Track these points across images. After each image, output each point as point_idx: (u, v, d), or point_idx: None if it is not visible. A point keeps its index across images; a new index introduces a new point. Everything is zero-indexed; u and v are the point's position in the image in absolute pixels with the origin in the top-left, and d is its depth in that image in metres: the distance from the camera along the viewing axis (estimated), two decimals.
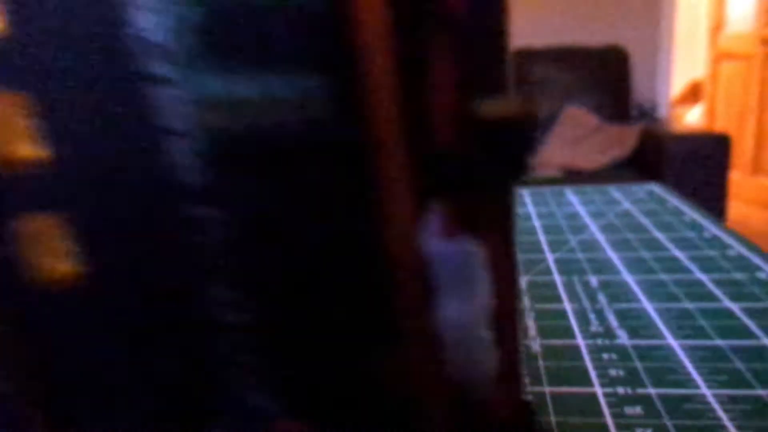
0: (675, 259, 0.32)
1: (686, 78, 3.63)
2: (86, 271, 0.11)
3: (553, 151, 2.19)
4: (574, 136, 2.27)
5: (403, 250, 0.11)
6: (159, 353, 0.11)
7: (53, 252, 0.10)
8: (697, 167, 1.86)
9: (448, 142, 0.10)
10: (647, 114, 2.48)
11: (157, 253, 0.10)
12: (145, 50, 0.09)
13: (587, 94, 2.35)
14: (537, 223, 0.40)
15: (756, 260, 0.31)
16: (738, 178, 2.95)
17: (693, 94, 3.70)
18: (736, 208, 2.83)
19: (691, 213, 0.40)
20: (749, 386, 0.20)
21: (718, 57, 3.12)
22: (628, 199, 0.45)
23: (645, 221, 0.39)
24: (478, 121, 0.10)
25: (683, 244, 0.34)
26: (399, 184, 0.10)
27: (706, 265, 0.31)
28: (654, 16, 2.49)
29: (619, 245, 0.35)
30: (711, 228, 0.37)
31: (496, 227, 0.11)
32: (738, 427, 0.18)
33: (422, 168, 0.10)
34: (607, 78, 2.37)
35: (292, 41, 0.09)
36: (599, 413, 0.19)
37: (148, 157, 0.10)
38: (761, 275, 0.29)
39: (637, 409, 0.19)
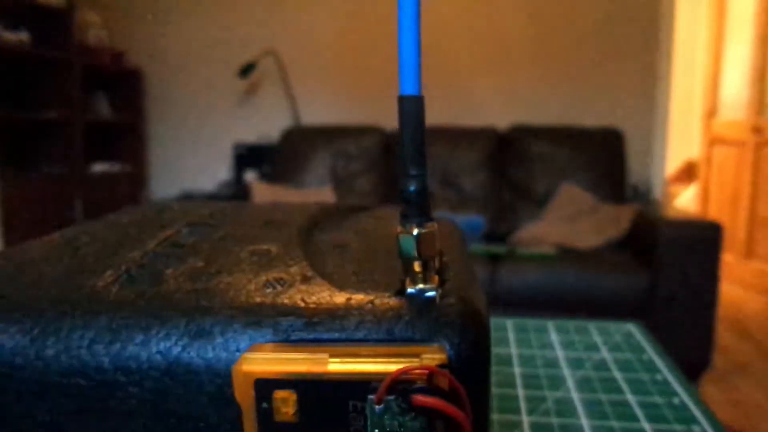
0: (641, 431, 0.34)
1: (682, 157, 3.72)
2: None
3: (549, 228, 2.23)
4: (570, 214, 2.31)
5: None
6: None
7: None
8: (690, 252, 1.89)
9: None
10: (642, 195, 2.53)
11: None
12: None
13: (583, 173, 2.40)
14: (516, 371, 0.42)
15: (696, 413, 0.33)
16: (732, 261, 2.98)
17: (687, 173, 3.78)
18: (731, 292, 2.85)
19: (664, 370, 0.42)
20: None
21: (712, 141, 3.21)
22: (607, 343, 0.47)
23: (619, 376, 0.41)
24: None
25: (653, 413, 0.36)
26: None
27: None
28: (649, 100, 2.57)
29: (594, 410, 0.37)
30: (679, 393, 0.39)
31: None
32: None
33: None
34: (602, 158, 2.43)
35: None
36: None
37: None
38: (696, 429, 0.31)
39: None
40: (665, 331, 1.86)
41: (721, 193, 3.12)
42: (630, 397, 0.38)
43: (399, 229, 0.16)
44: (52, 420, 0.15)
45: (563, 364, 0.44)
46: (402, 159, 0.15)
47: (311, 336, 0.14)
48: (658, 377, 0.41)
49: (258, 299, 0.16)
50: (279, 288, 0.17)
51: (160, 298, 0.16)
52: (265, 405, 0.13)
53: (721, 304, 2.67)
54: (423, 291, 0.16)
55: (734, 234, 3.00)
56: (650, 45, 2.51)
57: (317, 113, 2.70)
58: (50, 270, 0.19)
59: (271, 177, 2.52)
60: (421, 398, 0.12)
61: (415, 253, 0.16)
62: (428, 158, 2.42)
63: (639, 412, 0.36)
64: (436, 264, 0.16)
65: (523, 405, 0.38)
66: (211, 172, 2.84)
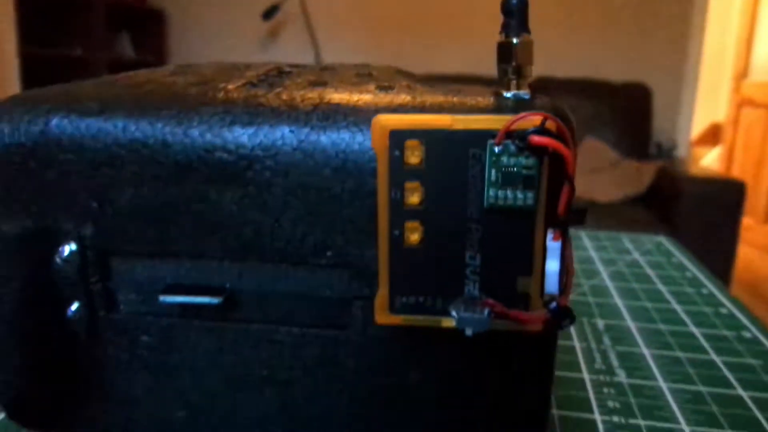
0: (673, 311, 0.37)
1: (707, 120, 3.66)
2: None
3: None
4: (591, 168, 2.30)
5: None
6: None
7: None
8: (710, 211, 1.89)
9: None
10: (665, 152, 2.51)
11: None
12: None
13: (607, 127, 2.38)
14: None
15: (744, 320, 0.36)
16: (752, 225, 2.97)
17: (713, 135, 3.72)
18: (746, 254, 2.85)
19: (693, 269, 0.45)
20: (721, 427, 0.25)
21: (740, 103, 3.15)
22: (638, 249, 0.49)
23: (650, 272, 0.44)
24: None
25: (682, 298, 0.39)
26: None
27: (699, 320, 0.35)
28: (680, 57, 2.52)
29: (626, 293, 0.40)
30: (709, 285, 0.41)
31: None
32: None
33: None
34: (628, 113, 2.40)
35: None
36: None
37: None
38: (746, 334, 0.34)
39: None
40: None
41: (746, 156, 3.08)
42: (661, 287, 0.41)
43: (499, 40, 0.18)
44: (199, 189, 0.18)
45: (597, 261, 0.46)
46: None
47: None
48: (688, 274, 0.44)
49: (373, 96, 0.18)
50: (390, 91, 0.19)
51: (287, 94, 0.19)
52: (397, 152, 0.16)
53: (737, 266, 2.67)
54: (518, 95, 0.18)
55: (756, 198, 2.97)
56: (684, 1, 2.45)
57: (340, 57, 2.68)
58: (182, 80, 0.21)
59: None
60: (536, 138, 0.15)
61: (512, 61, 0.18)
62: None
63: (670, 297, 0.39)
64: (530, 74, 0.19)
65: None
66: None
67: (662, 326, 0.35)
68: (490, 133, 0.15)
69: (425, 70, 2.47)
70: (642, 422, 0.25)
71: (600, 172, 2.27)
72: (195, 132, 0.18)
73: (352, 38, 2.68)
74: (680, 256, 0.48)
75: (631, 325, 0.35)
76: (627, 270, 0.44)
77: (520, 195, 0.15)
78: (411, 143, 0.16)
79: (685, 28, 2.46)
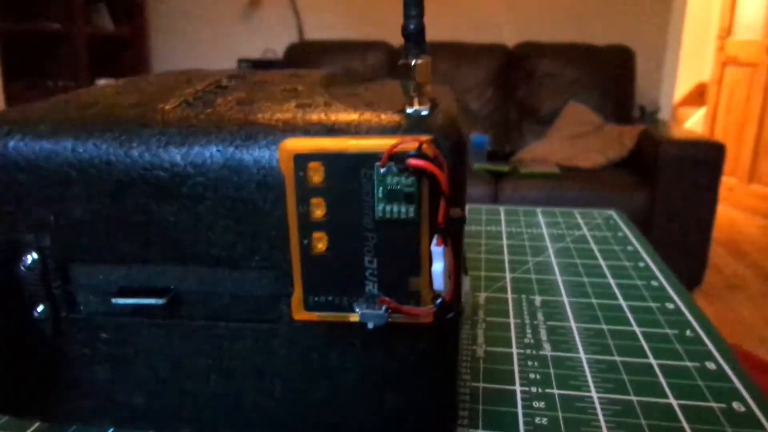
0: (606, 286, 0.40)
1: (691, 81, 3.67)
2: None
3: (552, 147, 2.25)
4: (575, 133, 2.32)
5: None
6: None
7: None
8: (691, 172, 1.92)
9: None
10: (648, 115, 2.52)
11: None
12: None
13: (590, 92, 2.39)
14: (505, 243, 0.48)
15: (671, 292, 0.39)
16: (735, 185, 3.02)
17: (699, 95, 3.73)
18: (730, 214, 2.90)
19: (636, 244, 0.48)
20: (626, 393, 0.28)
21: (725, 62, 3.16)
22: (587, 225, 0.52)
23: (594, 248, 0.47)
24: None
25: (619, 272, 0.42)
26: None
27: (629, 293, 0.39)
28: (663, 18, 2.52)
29: (567, 269, 0.43)
30: (647, 259, 0.45)
31: None
32: (607, 421, 0.26)
33: None
34: (611, 77, 2.41)
35: None
36: (514, 404, 0.27)
37: None
38: (670, 306, 0.37)
39: (542, 404, 0.27)
40: (662, 248, 1.93)
41: (730, 115, 3.11)
42: (601, 262, 0.44)
43: (400, 61, 0.20)
44: (140, 203, 0.21)
45: (547, 238, 0.49)
46: (404, 2, 0.20)
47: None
48: (629, 248, 0.47)
49: (291, 115, 0.21)
50: (307, 109, 0.21)
51: (216, 115, 0.21)
52: (301, 173, 0.18)
53: (721, 226, 2.73)
54: (418, 111, 0.20)
55: (739, 157, 3.01)
56: None
57: (322, 28, 2.66)
58: (125, 99, 0.23)
59: None
60: (413, 161, 0.17)
61: (412, 80, 0.20)
62: (434, 76, 2.40)
63: (607, 272, 0.42)
64: (429, 92, 0.21)
65: (507, 266, 0.43)
66: None
67: (594, 300, 0.38)
68: (377, 156, 0.18)
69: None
70: (556, 391, 0.28)
71: (583, 138, 2.29)
72: (135, 153, 0.21)
73: (334, 7, 2.66)
74: (626, 231, 0.51)
75: (566, 300, 0.38)
76: (573, 246, 0.47)
77: (403, 209, 0.18)
78: (313, 165, 0.18)
79: None
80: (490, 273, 0.42)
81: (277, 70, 0.32)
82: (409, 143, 0.17)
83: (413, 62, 0.20)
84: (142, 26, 2.84)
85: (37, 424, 0.26)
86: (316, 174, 0.18)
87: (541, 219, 0.54)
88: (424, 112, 0.20)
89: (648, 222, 1.91)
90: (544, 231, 0.51)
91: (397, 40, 2.50)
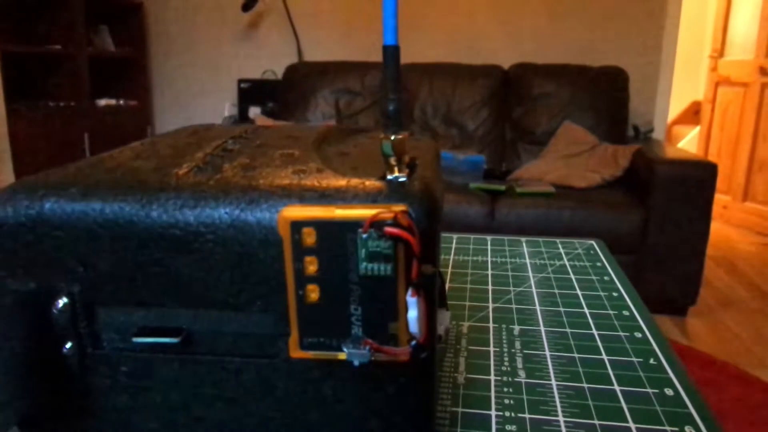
0: (581, 315, 0.43)
1: (686, 99, 3.72)
2: None
3: (548, 167, 2.30)
4: (570, 153, 2.37)
5: None
6: None
7: None
8: (684, 191, 1.95)
9: None
10: (642, 135, 2.57)
11: None
12: None
13: (585, 112, 2.44)
14: (489, 273, 0.51)
15: (640, 321, 0.42)
16: (729, 203, 3.06)
17: (694, 114, 3.79)
18: (724, 231, 2.94)
19: (612, 274, 0.51)
20: (591, 417, 0.31)
21: (718, 82, 3.21)
22: (568, 254, 0.56)
23: (573, 278, 0.50)
24: None
25: (593, 301, 0.45)
26: None
27: (601, 323, 0.42)
28: (656, 40, 2.57)
29: (546, 299, 0.46)
30: (621, 289, 0.48)
31: None
32: None
33: None
34: (605, 97, 2.45)
35: None
36: (489, 428, 0.30)
37: None
38: (638, 335, 0.40)
39: (513, 427, 0.30)
40: (656, 268, 1.96)
41: (723, 134, 3.15)
42: (578, 292, 0.47)
43: (382, 136, 0.24)
44: (157, 256, 0.24)
45: (529, 268, 0.52)
46: (384, 88, 0.23)
47: (324, 203, 0.23)
48: (606, 278, 0.50)
49: (288, 181, 0.24)
50: (302, 175, 0.25)
51: (224, 181, 0.25)
52: (296, 236, 0.22)
53: (715, 243, 2.76)
54: (397, 177, 0.24)
55: (733, 176, 3.05)
56: None
57: (321, 49, 2.72)
58: (144, 164, 0.27)
59: (275, 113, 2.58)
60: (389, 229, 0.21)
61: (392, 152, 0.24)
62: (432, 96, 2.44)
63: (583, 302, 0.45)
64: (407, 161, 0.24)
65: (490, 296, 0.47)
66: (215, 107, 2.89)
67: (569, 330, 0.41)
68: (360, 223, 0.21)
69: (402, 59, 2.51)
70: (527, 416, 0.31)
71: (577, 157, 2.33)
72: (154, 214, 0.24)
73: (333, 29, 2.71)
74: (604, 261, 0.54)
75: (543, 329, 0.41)
76: (553, 276, 0.51)
77: (382, 267, 0.22)
78: (307, 230, 0.22)
79: (661, 9, 2.51)
80: (474, 303, 0.45)
81: (275, 128, 0.35)
82: (386, 213, 0.21)
83: (393, 137, 0.23)
84: (143, 48, 2.90)
85: None
86: (309, 237, 0.22)
87: (525, 248, 0.58)
88: (402, 179, 0.24)
89: (642, 241, 1.94)
90: (527, 261, 0.54)
91: None
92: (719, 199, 3.07)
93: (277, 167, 0.26)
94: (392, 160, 0.24)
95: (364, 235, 0.21)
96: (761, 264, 2.54)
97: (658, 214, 1.95)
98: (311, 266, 0.22)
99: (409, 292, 0.22)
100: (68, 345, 0.26)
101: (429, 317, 0.22)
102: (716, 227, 2.99)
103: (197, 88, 2.92)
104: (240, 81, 2.75)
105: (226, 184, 0.24)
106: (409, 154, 0.26)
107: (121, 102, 2.85)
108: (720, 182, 3.00)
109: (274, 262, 0.23)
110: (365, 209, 0.22)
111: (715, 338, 1.88)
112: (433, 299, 0.23)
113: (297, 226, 0.22)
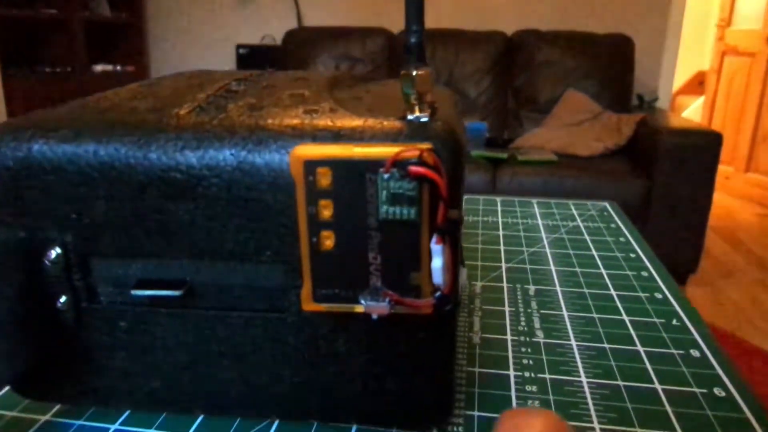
0: (598, 276, 0.41)
1: (691, 70, 3.67)
2: None
3: (550, 135, 2.26)
4: (573, 121, 2.33)
5: None
6: None
7: None
8: (688, 161, 1.93)
9: None
10: (647, 104, 2.53)
11: None
12: None
13: (589, 80, 2.40)
14: (501, 233, 0.49)
15: (660, 282, 0.41)
16: (732, 174, 3.04)
17: (699, 84, 3.74)
18: (726, 202, 2.92)
19: (627, 235, 0.49)
20: (614, 378, 0.30)
21: (724, 52, 3.16)
22: (582, 216, 0.54)
23: (587, 238, 0.48)
24: None
25: (609, 262, 0.44)
26: None
27: (620, 283, 0.40)
28: (663, 7, 2.52)
29: (561, 259, 0.44)
30: (638, 250, 0.46)
31: None
32: (595, 405, 0.28)
33: None
34: (610, 65, 2.41)
35: None
36: (508, 388, 0.29)
37: None
38: (658, 295, 0.39)
39: (534, 388, 0.29)
40: (658, 236, 1.94)
41: (728, 104, 3.11)
42: (594, 253, 0.46)
43: (402, 72, 0.22)
44: (158, 202, 0.22)
45: (542, 229, 0.51)
46: (406, 18, 0.21)
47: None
48: (621, 239, 0.48)
49: (299, 121, 0.22)
50: (314, 115, 0.23)
51: (229, 120, 0.23)
52: (310, 178, 0.20)
53: (717, 214, 2.75)
54: (419, 117, 0.22)
55: (736, 146, 3.02)
56: None
57: (321, 14, 2.66)
58: (142, 104, 0.25)
59: None
60: (414, 169, 0.19)
61: (412, 90, 0.22)
62: (433, 63, 2.40)
63: (599, 262, 0.44)
64: (429, 101, 0.22)
65: (503, 256, 0.45)
66: None
67: (586, 290, 0.39)
68: (381, 162, 0.19)
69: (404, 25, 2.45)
70: (548, 376, 0.30)
71: (581, 125, 2.30)
72: (153, 156, 0.22)
73: None
74: (619, 222, 0.53)
75: (559, 290, 0.39)
76: (567, 237, 0.49)
77: (405, 211, 0.20)
78: (321, 170, 0.20)
79: None
80: (487, 263, 0.44)
81: (282, 72, 0.33)
82: (411, 151, 0.19)
83: (414, 73, 0.21)
84: (140, 12, 2.83)
85: (56, 407, 0.27)
86: (324, 178, 0.20)
87: (536, 210, 0.56)
88: (424, 119, 0.22)
89: (645, 210, 1.92)
90: (539, 222, 0.52)
91: (396, 26, 2.49)
92: (722, 170, 3.04)
93: (286, 107, 0.24)
94: (413, 99, 0.22)
95: (386, 176, 0.19)
96: (762, 235, 2.53)
97: (661, 183, 1.93)
98: (326, 211, 0.20)
99: (434, 238, 0.20)
100: (62, 299, 0.24)
101: (453, 267, 0.20)
102: (718, 198, 2.97)
103: (195, 53, 2.87)
104: (238, 46, 2.69)
105: (231, 123, 0.22)
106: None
107: (118, 68, 2.80)
108: (723, 153, 2.96)
109: (285, 207, 0.21)
110: (387, 147, 0.20)
111: (714, 307, 1.88)
112: (458, 247, 0.21)
113: (311, 165, 0.20)
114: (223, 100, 0.25)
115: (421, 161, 0.19)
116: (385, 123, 0.22)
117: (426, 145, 0.20)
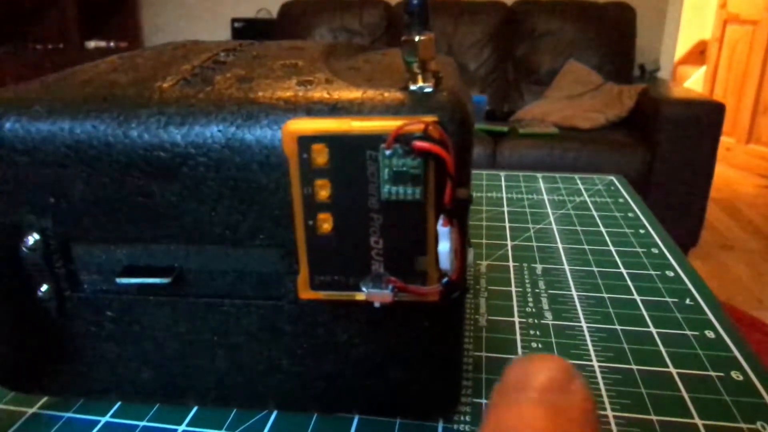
0: (607, 253, 0.40)
1: (692, 39, 3.61)
2: None
3: (551, 107, 2.23)
4: (574, 93, 2.30)
5: None
6: None
7: None
8: (690, 132, 1.90)
9: None
10: (648, 74, 2.49)
11: None
12: None
13: (590, 50, 2.35)
14: (505, 209, 0.48)
15: (671, 260, 0.39)
16: (733, 145, 3.01)
17: (700, 53, 3.68)
18: (726, 174, 2.90)
19: (636, 210, 0.48)
20: (627, 362, 0.29)
21: (727, 20, 3.10)
22: (588, 191, 0.52)
23: (595, 214, 0.47)
24: None
25: (618, 239, 0.42)
26: None
27: (630, 261, 0.39)
28: None
29: (568, 236, 0.43)
30: (647, 226, 0.45)
31: None
32: (607, 390, 0.26)
33: None
34: (611, 35, 2.37)
35: None
36: None
37: None
38: (670, 273, 0.37)
39: None
40: (659, 208, 1.93)
41: (730, 74, 3.07)
42: (602, 229, 0.44)
43: (403, 37, 0.20)
44: (141, 184, 0.20)
45: (547, 204, 0.49)
46: None
47: (336, 117, 0.19)
48: (630, 215, 0.47)
49: (293, 93, 0.20)
50: (308, 87, 0.21)
51: (216, 93, 0.21)
52: (305, 155, 0.18)
53: (717, 186, 2.73)
54: (422, 87, 0.20)
55: (738, 117, 2.99)
56: None
57: None
58: (122, 77, 0.23)
59: None
60: (419, 144, 0.17)
61: (415, 57, 0.20)
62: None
63: (608, 239, 0.42)
64: (433, 69, 0.20)
65: (508, 233, 0.43)
66: None
67: (595, 268, 0.38)
68: (382, 137, 0.18)
69: None
70: None
71: (582, 97, 2.26)
72: (134, 133, 0.20)
73: None
74: (626, 196, 0.51)
75: (567, 268, 0.38)
76: (573, 212, 0.47)
77: (409, 190, 0.18)
78: (317, 147, 0.18)
79: None
80: (492, 241, 0.42)
81: (274, 42, 0.31)
82: (415, 125, 0.17)
83: (417, 38, 0.19)
84: None
85: (44, 399, 0.26)
86: (320, 155, 0.18)
87: (541, 184, 0.54)
88: (428, 89, 0.20)
89: (646, 182, 1.90)
90: (545, 197, 0.51)
91: None
92: (723, 141, 3.00)
93: (278, 78, 0.22)
94: (416, 67, 0.20)
95: (388, 152, 0.18)
96: (763, 206, 2.52)
97: (663, 155, 1.91)
98: (323, 191, 0.19)
99: (441, 220, 0.18)
100: (44, 288, 0.23)
101: (462, 251, 0.19)
102: (719, 169, 2.94)
103: (189, 28, 2.81)
104: (234, 20, 2.64)
105: (219, 97, 0.21)
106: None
107: (111, 44, 2.74)
108: (724, 124, 2.93)
109: (278, 188, 0.20)
110: (388, 120, 0.18)
111: (715, 280, 1.88)
112: (466, 229, 0.20)
113: (305, 142, 0.18)
114: (210, 72, 0.23)
115: (426, 135, 0.17)
116: (386, 94, 0.20)
117: (431, 118, 0.18)
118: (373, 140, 0.18)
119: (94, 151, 0.20)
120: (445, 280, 0.19)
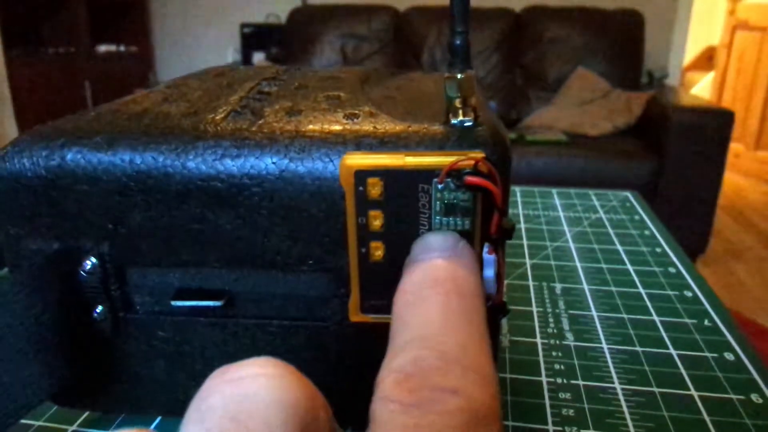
0: (625, 272, 0.41)
1: (700, 45, 3.61)
2: None
3: (559, 114, 2.24)
4: (582, 100, 2.31)
5: None
6: None
7: None
8: (699, 139, 1.90)
9: None
10: (657, 81, 2.50)
11: None
12: None
13: (598, 57, 2.36)
14: (523, 226, 0.49)
15: (689, 279, 0.40)
16: (741, 151, 3.01)
17: (708, 60, 3.68)
18: (735, 181, 2.90)
19: (652, 227, 0.49)
20: (649, 384, 0.30)
21: (735, 26, 3.10)
22: (604, 207, 0.53)
23: (611, 232, 0.48)
24: None
25: (635, 258, 0.43)
26: None
27: (648, 281, 0.40)
28: None
29: (586, 255, 0.44)
30: (663, 244, 0.46)
31: None
32: (631, 413, 0.27)
33: None
34: (620, 42, 2.37)
35: None
36: (541, 396, 0.29)
37: None
38: (688, 294, 0.38)
39: (568, 395, 0.29)
40: (667, 215, 1.93)
41: (738, 80, 3.07)
42: (619, 247, 0.45)
43: (446, 74, 0.21)
44: (197, 212, 0.22)
45: (563, 222, 0.50)
46: (452, 19, 0.20)
47: (383, 151, 0.20)
48: (646, 233, 0.48)
49: (341, 127, 0.22)
50: (355, 120, 0.22)
51: (268, 127, 0.22)
52: (360, 188, 0.20)
53: (725, 193, 2.73)
54: (463, 122, 0.21)
55: (746, 124, 2.99)
56: None
57: None
58: (174, 108, 0.24)
59: (279, 59, 2.50)
60: (470, 178, 0.18)
61: (457, 93, 0.21)
62: (440, 42, 2.36)
63: (626, 258, 0.43)
64: (474, 104, 0.22)
65: (526, 251, 0.44)
66: (218, 53, 2.81)
67: (614, 288, 0.39)
68: (434, 172, 0.19)
69: (410, 3, 2.42)
70: (581, 382, 0.30)
71: (590, 104, 2.27)
72: (192, 164, 0.21)
73: None
74: (642, 214, 0.52)
75: (586, 288, 0.39)
76: (590, 230, 0.48)
77: (459, 221, 0.19)
78: (372, 180, 0.19)
79: None
80: (511, 259, 0.43)
81: (309, 69, 0.32)
82: (466, 161, 0.18)
83: (459, 76, 0.20)
84: None
85: (84, 416, 0.27)
86: (375, 188, 0.19)
87: (557, 200, 0.55)
88: (468, 123, 0.21)
89: (654, 189, 1.91)
90: (561, 214, 0.52)
91: (401, 3, 2.45)
92: (731, 148, 3.01)
93: (324, 111, 0.23)
94: (458, 102, 0.21)
95: (440, 186, 0.19)
96: None
97: (671, 163, 1.91)
98: (376, 221, 0.20)
99: (486, 248, 0.19)
100: (99, 309, 0.24)
101: (503, 276, 0.20)
102: (727, 176, 2.95)
103: (199, 33, 2.83)
104: (243, 25, 2.66)
105: (272, 130, 0.22)
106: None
107: (122, 48, 2.77)
108: (733, 131, 2.93)
109: (328, 216, 0.21)
110: (440, 156, 0.19)
111: (723, 287, 1.88)
112: (504, 256, 0.21)
113: (362, 175, 0.19)
114: (257, 103, 0.25)
115: (476, 171, 0.18)
116: (430, 128, 0.21)
117: (479, 154, 0.19)
118: (425, 175, 0.19)
119: (152, 181, 0.22)
120: (489, 303, 0.20)
